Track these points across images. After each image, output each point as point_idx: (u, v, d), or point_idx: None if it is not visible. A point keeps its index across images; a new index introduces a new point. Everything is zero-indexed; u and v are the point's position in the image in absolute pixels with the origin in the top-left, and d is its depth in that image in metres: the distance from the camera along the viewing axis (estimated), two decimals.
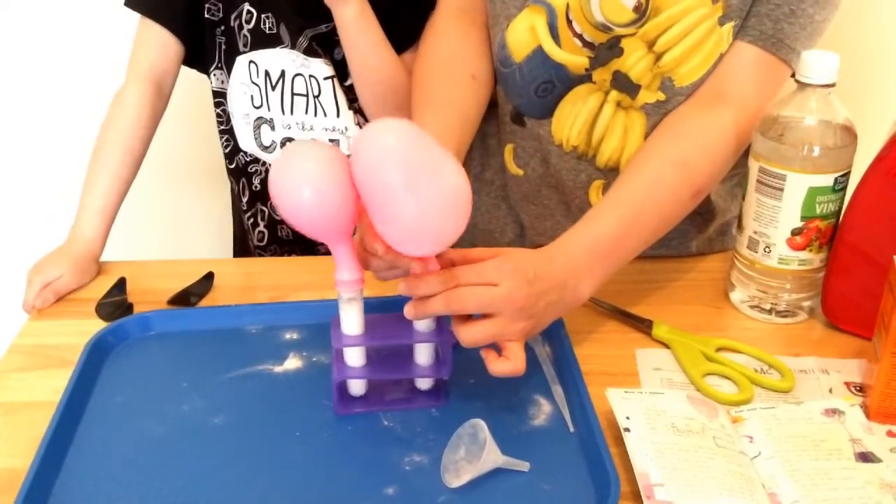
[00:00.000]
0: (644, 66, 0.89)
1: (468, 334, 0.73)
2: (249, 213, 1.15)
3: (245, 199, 1.14)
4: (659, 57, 0.88)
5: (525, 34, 0.93)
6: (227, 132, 1.12)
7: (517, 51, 0.94)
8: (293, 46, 1.03)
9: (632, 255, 0.83)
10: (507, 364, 0.74)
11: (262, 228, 1.14)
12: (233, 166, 1.14)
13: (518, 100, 0.97)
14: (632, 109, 0.92)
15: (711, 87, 0.89)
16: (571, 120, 0.94)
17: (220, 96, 1.11)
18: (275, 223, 1.14)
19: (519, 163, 1.00)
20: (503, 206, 1.06)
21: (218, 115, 1.13)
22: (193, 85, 1.14)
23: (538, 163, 0.99)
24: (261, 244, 1.16)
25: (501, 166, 1.03)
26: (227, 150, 1.14)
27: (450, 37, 0.98)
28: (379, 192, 0.67)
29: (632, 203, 0.83)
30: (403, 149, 0.66)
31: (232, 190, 1.17)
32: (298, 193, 0.68)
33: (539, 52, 0.93)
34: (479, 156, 1.04)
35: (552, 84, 0.94)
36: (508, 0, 0.94)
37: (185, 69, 1.10)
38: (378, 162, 0.66)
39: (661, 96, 0.90)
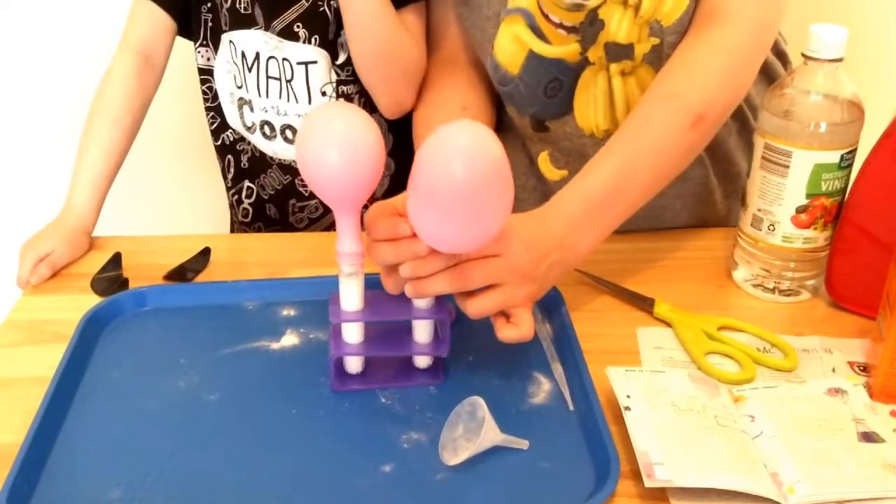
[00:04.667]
0: (627, 24, 0.87)
1: (475, 307, 0.73)
2: (234, 190, 1.14)
3: (230, 176, 1.13)
4: (637, 8, 0.87)
5: (512, 46, 0.92)
6: (214, 109, 1.11)
7: (510, 64, 0.93)
8: (267, 28, 1.01)
9: (635, 202, 0.82)
10: (516, 330, 0.74)
11: (246, 205, 1.13)
12: (219, 143, 1.13)
13: (531, 109, 0.96)
14: (638, 69, 0.90)
15: (701, 14, 0.86)
16: (593, 107, 0.93)
17: (205, 73, 1.10)
18: (262, 201, 1.12)
19: (559, 165, 0.99)
20: None
21: (204, 93, 1.11)
22: (188, 59, 1.12)
23: (577, 159, 0.98)
24: (245, 220, 1.14)
25: (538, 175, 1.02)
26: (213, 128, 1.12)
27: (437, 80, 0.99)
28: (442, 192, 0.65)
29: (623, 149, 0.81)
30: (478, 152, 0.65)
31: (220, 167, 1.16)
32: (324, 155, 0.68)
33: (532, 57, 0.92)
34: (521, 166, 1.03)
35: (558, 81, 0.93)
36: (484, 23, 0.93)
37: (180, 47, 1.08)
38: (449, 162, 0.64)
39: (655, 40, 0.88)
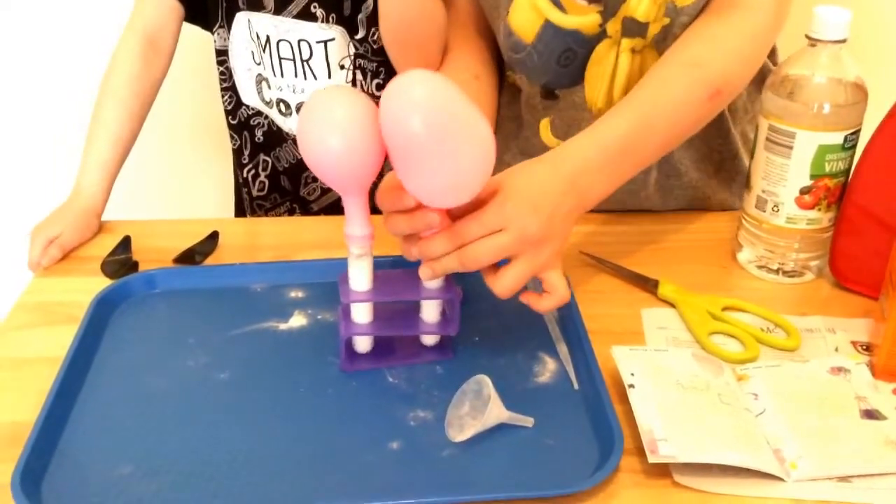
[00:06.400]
0: (648, 1, 0.87)
1: (501, 286, 0.73)
2: (250, 165, 1.15)
3: (247, 152, 1.14)
4: None
5: (528, 13, 0.92)
6: (230, 89, 1.12)
7: (525, 32, 0.93)
8: (277, 12, 1.02)
9: (646, 159, 0.82)
10: (551, 299, 0.74)
11: (262, 178, 1.14)
12: (235, 122, 1.14)
13: (543, 77, 0.95)
14: (645, 49, 0.91)
15: (720, 0, 0.87)
16: (599, 82, 0.93)
17: (222, 54, 1.11)
18: (277, 174, 1.13)
19: (557, 133, 0.99)
20: None
21: (221, 73, 1.12)
22: (195, 46, 1.13)
23: (576, 131, 0.98)
24: (261, 194, 1.15)
25: (523, 150, 1.02)
26: (229, 107, 1.13)
27: (451, 52, 0.98)
28: (406, 145, 0.66)
29: (641, 107, 0.81)
30: (431, 102, 0.65)
31: (233, 147, 1.17)
32: (326, 142, 0.68)
33: (549, 26, 0.91)
34: (516, 127, 1.03)
35: (572, 51, 0.92)
36: None
37: (189, 34, 1.09)
38: (405, 115, 0.65)
39: (665, 20, 0.88)
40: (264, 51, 1.04)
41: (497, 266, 0.74)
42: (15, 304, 0.87)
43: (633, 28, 0.89)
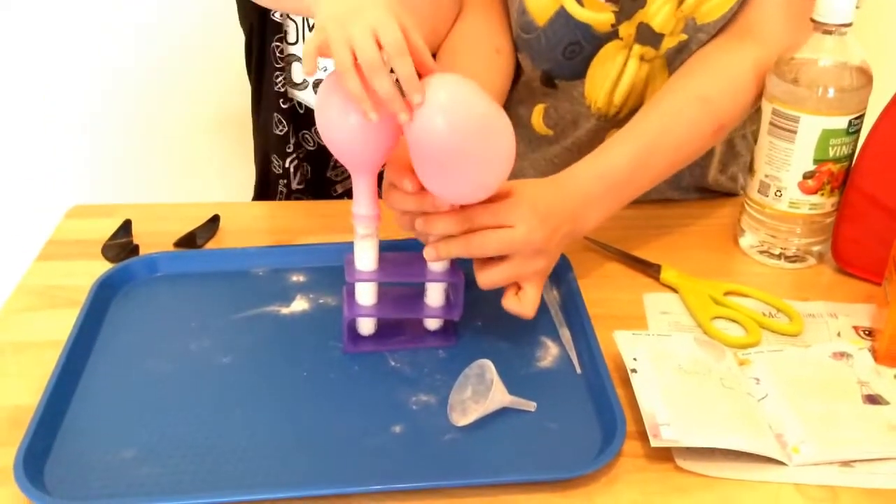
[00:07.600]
0: (667, 12, 0.87)
1: (486, 277, 0.74)
2: (294, 155, 1.12)
3: (293, 141, 1.12)
4: (682, 0, 0.86)
5: None
6: (283, 71, 1.09)
7: (539, 14, 0.92)
8: None
9: (643, 188, 0.83)
10: (518, 305, 0.75)
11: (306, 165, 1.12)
12: (286, 106, 1.10)
13: (546, 64, 0.95)
14: (655, 60, 0.91)
15: (740, 25, 0.87)
16: (602, 81, 0.93)
17: (278, 31, 1.07)
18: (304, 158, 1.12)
19: (549, 122, 0.99)
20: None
21: (279, 52, 1.08)
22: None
23: (569, 124, 0.98)
24: (300, 187, 1.14)
25: (528, 128, 1.02)
26: (281, 89, 1.10)
27: (473, 13, 0.97)
28: (429, 151, 0.66)
29: (647, 136, 0.83)
30: (456, 106, 0.65)
31: (279, 133, 1.13)
32: (343, 117, 0.68)
33: (562, 14, 0.90)
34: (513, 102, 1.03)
35: (579, 45, 0.92)
36: None
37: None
38: (431, 123, 0.65)
39: (683, 37, 0.88)
40: (311, 28, 1.01)
41: (489, 258, 0.74)
42: (16, 288, 0.87)
43: (648, 36, 0.89)
